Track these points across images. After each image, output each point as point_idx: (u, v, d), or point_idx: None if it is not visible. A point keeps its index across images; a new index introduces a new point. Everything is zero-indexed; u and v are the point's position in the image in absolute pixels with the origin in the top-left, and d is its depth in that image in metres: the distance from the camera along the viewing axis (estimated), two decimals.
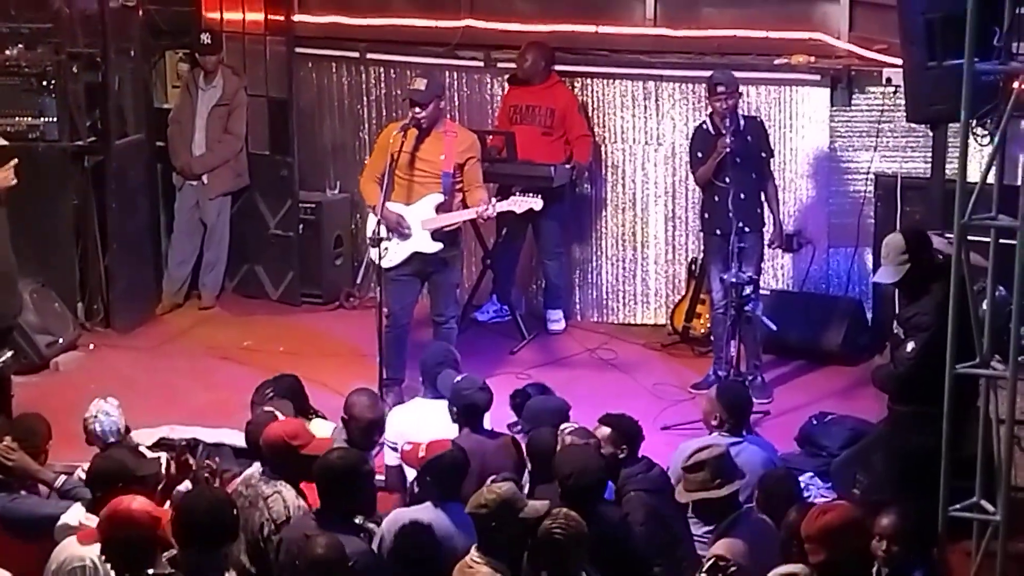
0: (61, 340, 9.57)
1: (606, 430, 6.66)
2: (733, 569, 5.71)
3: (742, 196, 8.75)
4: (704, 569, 5.82)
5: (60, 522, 6.18)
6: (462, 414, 6.92)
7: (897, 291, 9.03)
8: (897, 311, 7.52)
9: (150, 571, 5.40)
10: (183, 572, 5.52)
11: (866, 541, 5.63)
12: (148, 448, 7.06)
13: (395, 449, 7.07)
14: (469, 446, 6.64)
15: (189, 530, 5.58)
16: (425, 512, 6.08)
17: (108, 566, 5.58)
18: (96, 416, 6.90)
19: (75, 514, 6.17)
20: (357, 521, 6.04)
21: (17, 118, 9.52)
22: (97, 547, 5.62)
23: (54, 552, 5.96)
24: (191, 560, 5.55)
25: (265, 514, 6.22)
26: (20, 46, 9.72)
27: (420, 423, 7.10)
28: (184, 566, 5.55)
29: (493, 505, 5.63)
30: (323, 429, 7.21)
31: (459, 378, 7.12)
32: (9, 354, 8.02)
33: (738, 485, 6.14)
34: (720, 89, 8.81)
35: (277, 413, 6.80)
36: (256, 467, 6.51)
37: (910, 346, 6.65)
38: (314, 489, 6.24)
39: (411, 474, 6.76)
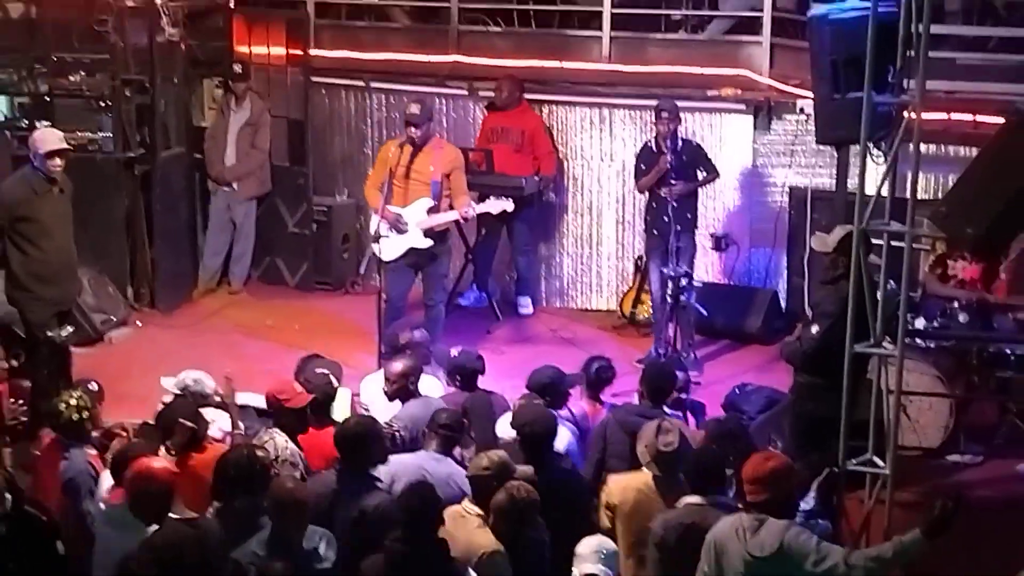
0: (114, 318, 9.51)
1: None
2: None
3: (675, 204, 8.76)
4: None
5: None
6: (464, 378, 7.01)
7: (808, 280, 9.12)
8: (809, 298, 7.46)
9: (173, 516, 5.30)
10: (225, 521, 5.47)
11: (795, 485, 5.56)
12: (172, 394, 6.77)
13: (367, 411, 6.99)
14: (459, 400, 6.78)
15: (225, 484, 5.55)
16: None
17: None
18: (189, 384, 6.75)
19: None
20: (374, 473, 5.85)
21: (79, 133, 9.45)
22: None
23: None
24: (231, 510, 5.52)
25: None
26: (82, 73, 9.71)
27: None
28: (225, 515, 5.52)
29: (495, 469, 5.64)
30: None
31: (457, 351, 7.27)
32: (70, 329, 7.99)
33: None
34: (664, 114, 8.90)
35: (332, 377, 6.73)
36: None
37: (815, 328, 6.62)
38: (309, 439, 6.24)
39: None
